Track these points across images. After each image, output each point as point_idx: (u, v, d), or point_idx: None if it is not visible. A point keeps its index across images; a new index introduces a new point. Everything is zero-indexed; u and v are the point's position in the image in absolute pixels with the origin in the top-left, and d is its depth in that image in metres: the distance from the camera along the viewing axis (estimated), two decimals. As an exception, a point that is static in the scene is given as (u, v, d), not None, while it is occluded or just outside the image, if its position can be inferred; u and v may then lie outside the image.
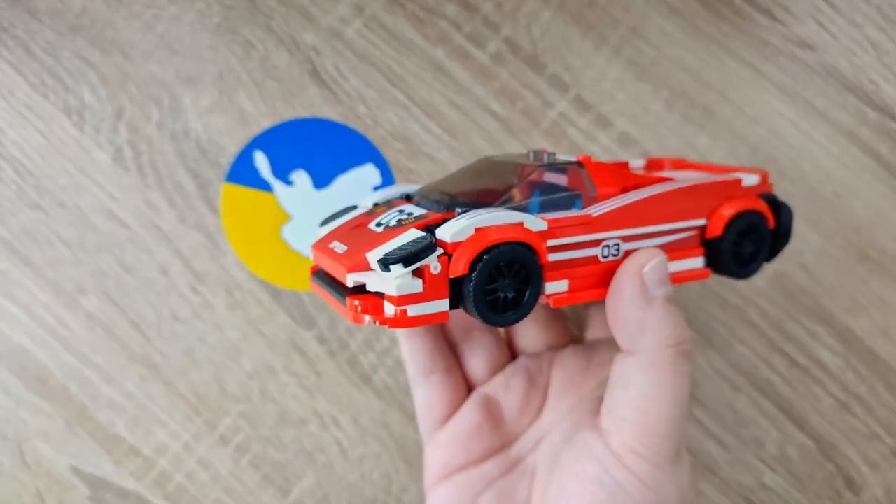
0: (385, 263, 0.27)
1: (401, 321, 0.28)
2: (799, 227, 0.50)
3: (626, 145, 0.49)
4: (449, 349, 0.40)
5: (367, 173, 0.49)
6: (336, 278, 0.31)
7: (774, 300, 0.50)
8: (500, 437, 0.38)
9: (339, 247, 0.31)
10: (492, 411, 0.39)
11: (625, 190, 0.34)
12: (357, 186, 0.49)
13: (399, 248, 0.28)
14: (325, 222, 0.36)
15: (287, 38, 0.49)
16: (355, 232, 0.32)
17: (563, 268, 0.32)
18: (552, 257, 0.31)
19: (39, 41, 0.48)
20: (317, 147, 0.49)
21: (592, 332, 0.42)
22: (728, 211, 0.35)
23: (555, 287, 0.32)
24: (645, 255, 0.32)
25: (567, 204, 0.33)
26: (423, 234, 0.29)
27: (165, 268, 0.48)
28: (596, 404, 0.35)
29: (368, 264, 0.29)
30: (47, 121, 0.48)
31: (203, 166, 0.48)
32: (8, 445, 0.48)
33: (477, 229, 0.29)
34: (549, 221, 0.31)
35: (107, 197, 0.48)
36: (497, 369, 0.40)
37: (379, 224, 0.32)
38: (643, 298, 0.31)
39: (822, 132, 0.50)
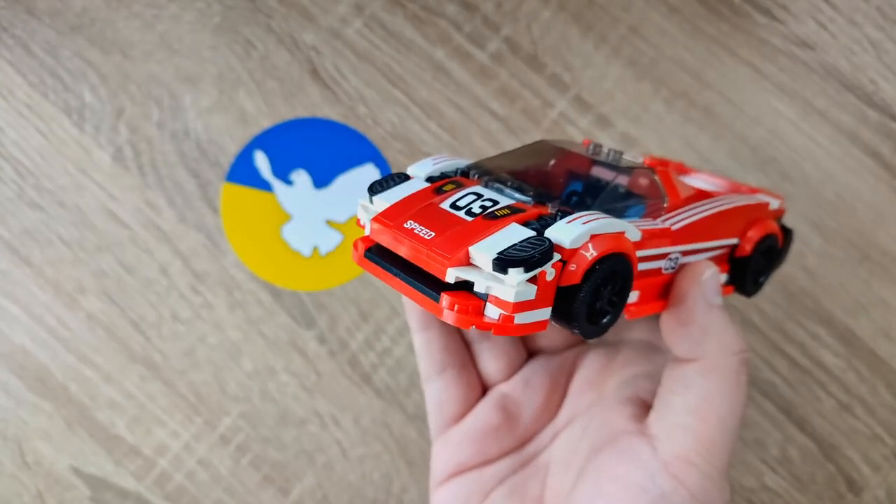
0: (503, 264, 0.25)
1: (506, 328, 0.26)
2: (801, 228, 0.49)
3: (626, 145, 0.49)
4: (464, 345, 0.39)
5: (367, 173, 0.49)
6: (416, 264, 0.27)
7: (776, 301, 0.50)
8: (516, 437, 0.38)
9: (420, 230, 0.27)
10: (510, 411, 0.38)
11: (684, 202, 0.33)
12: (357, 186, 0.49)
13: (517, 249, 0.25)
14: (375, 190, 0.30)
15: (287, 38, 0.49)
16: (431, 213, 0.28)
17: (636, 278, 0.30)
18: None
19: (39, 41, 0.48)
20: (317, 147, 0.49)
21: (614, 333, 0.41)
22: (756, 232, 0.36)
23: (630, 298, 0.30)
24: (702, 265, 0.32)
25: (625, 208, 0.31)
26: (533, 234, 0.26)
27: (165, 268, 0.48)
28: (621, 405, 0.34)
29: (469, 259, 0.26)
30: (47, 121, 0.48)
31: (203, 166, 0.48)
32: (8, 445, 0.48)
33: (591, 236, 0.27)
34: (642, 232, 0.29)
35: (107, 197, 0.48)
36: (514, 368, 0.39)
37: (455, 206, 0.29)
38: (706, 305, 0.31)
39: (822, 133, 0.49)
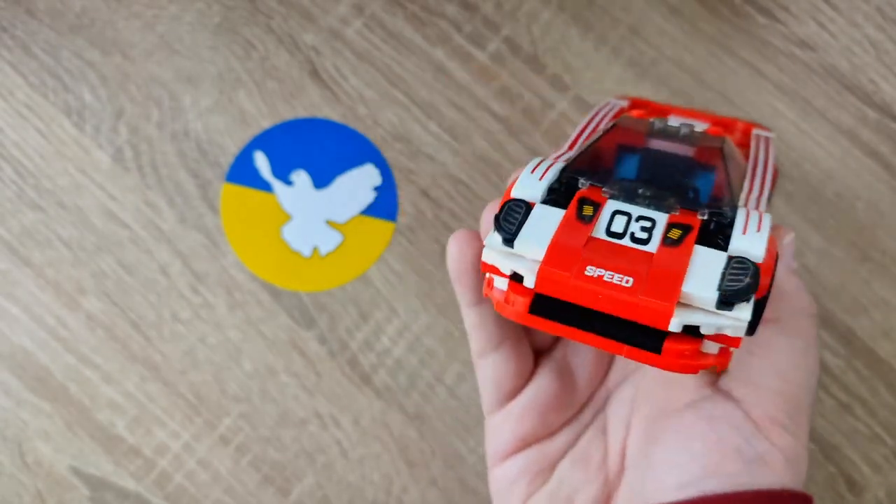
0: (728, 301, 0.24)
1: (725, 362, 0.25)
2: (801, 228, 0.49)
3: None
4: None
5: (367, 173, 0.49)
6: (620, 317, 0.25)
7: (775, 301, 0.50)
8: (574, 405, 0.36)
9: (611, 276, 0.24)
10: (566, 378, 0.36)
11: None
12: (357, 186, 0.49)
13: (731, 281, 0.24)
14: (507, 229, 0.26)
15: (287, 38, 0.49)
16: (602, 250, 0.25)
17: None
18: None
19: (39, 41, 0.48)
20: (317, 147, 0.49)
21: None
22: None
23: None
24: (782, 229, 0.32)
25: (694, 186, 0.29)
26: (725, 256, 0.25)
27: (165, 268, 0.48)
28: None
29: (687, 302, 0.24)
30: (47, 121, 0.48)
31: (203, 166, 0.48)
32: (8, 446, 0.48)
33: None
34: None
35: (107, 197, 0.48)
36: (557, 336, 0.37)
37: (614, 234, 0.26)
38: (785, 268, 0.31)
39: (822, 132, 0.50)
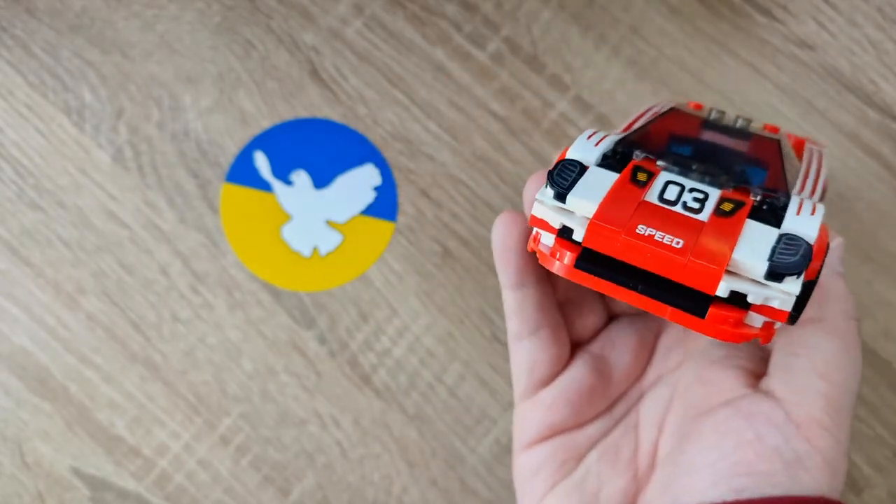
0: (778, 273, 0.24)
1: (769, 335, 0.26)
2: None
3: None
4: (557, 305, 0.36)
5: (367, 173, 0.49)
6: (667, 276, 0.25)
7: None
8: (607, 398, 0.36)
9: (662, 236, 0.25)
10: (602, 372, 0.36)
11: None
12: (357, 186, 0.49)
13: (783, 255, 0.24)
14: (561, 185, 0.27)
15: (287, 38, 0.49)
16: (654, 213, 0.26)
17: None
18: None
19: (39, 41, 0.48)
20: (317, 147, 0.49)
21: None
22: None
23: None
24: (833, 233, 0.32)
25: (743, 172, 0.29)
26: (776, 232, 0.25)
27: (165, 268, 0.48)
28: (722, 367, 0.33)
29: (736, 270, 0.24)
30: (47, 121, 0.48)
31: (203, 166, 0.48)
32: (8, 446, 0.48)
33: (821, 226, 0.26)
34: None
35: (107, 197, 0.48)
36: (599, 329, 0.37)
37: (666, 201, 0.26)
38: (831, 270, 0.31)
39: (823, 133, 0.49)
